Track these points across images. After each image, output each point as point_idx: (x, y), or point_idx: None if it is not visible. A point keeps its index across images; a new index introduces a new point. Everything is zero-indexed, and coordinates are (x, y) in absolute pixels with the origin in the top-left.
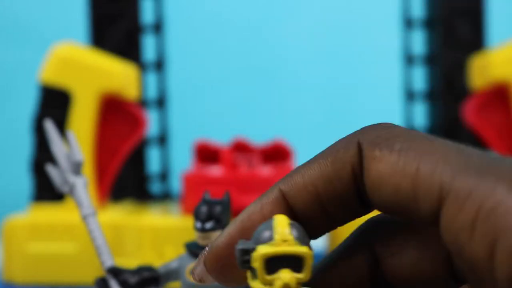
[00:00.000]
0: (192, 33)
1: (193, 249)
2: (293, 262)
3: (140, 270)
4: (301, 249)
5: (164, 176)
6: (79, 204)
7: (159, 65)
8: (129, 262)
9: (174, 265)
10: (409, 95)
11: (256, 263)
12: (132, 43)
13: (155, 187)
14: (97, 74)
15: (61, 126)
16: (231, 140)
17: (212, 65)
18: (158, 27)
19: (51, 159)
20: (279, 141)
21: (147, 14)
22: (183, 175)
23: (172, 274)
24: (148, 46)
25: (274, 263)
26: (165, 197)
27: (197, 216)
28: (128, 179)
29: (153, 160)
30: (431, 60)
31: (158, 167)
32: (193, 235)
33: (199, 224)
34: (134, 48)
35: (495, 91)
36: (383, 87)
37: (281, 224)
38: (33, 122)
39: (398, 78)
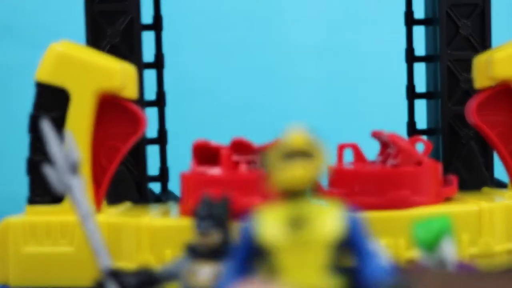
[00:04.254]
0: (191, 33)
1: (193, 250)
2: (302, 159)
3: (139, 272)
4: (307, 146)
5: (163, 176)
6: (76, 205)
7: (158, 64)
8: (128, 263)
9: (173, 266)
10: (411, 95)
11: (269, 162)
12: (131, 42)
13: (155, 187)
14: (95, 73)
15: (59, 125)
16: (231, 140)
17: (212, 65)
18: (157, 26)
19: (48, 159)
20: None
21: (146, 13)
22: (182, 175)
23: (172, 275)
24: (147, 46)
25: (285, 161)
26: (165, 197)
27: (197, 216)
28: (127, 180)
29: (153, 160)
30: (433, 58)
31: (158, 167)
32: (192, 236)
33: (198, 225)
34: (133, 47)
35: (498, 90)
36: (385, 86)
37: (292, 129)
38: (30, 122)
39: (400, 77)
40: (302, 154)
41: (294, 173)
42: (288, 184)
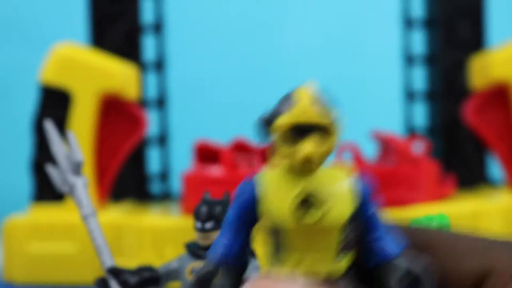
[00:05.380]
0: (192, 33)
1: (193, 249)
2: (316, 133)
3: (140, 270)
4: (323, 119)
5: (164, 176)
6: (79, 204)
7: (159, 65)
8: (129, 262)
9: (174, 265)
10: (409, 95)
11: (276, 134)
12: (132, 43)
13: (155, 187)
14: (97, 74)
15: (61, 126)
16: (231, 140)
17: (212, 65)
18: (158, 27)
19: (51, 159)
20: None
21: (147, 14)
22: (183, 175)
23: (172, 274)
24: (148, 46)
25: (295, 134)
26: (165, 197)
27: (197, 216)
28: (128, 179)
29: (153, 160)
30: (431, 60)
31: (158, 167)
32: (193, 235)
33: (199, 224)
34: (134, 48)
35: (495, 91)
36: (383, 88)
37: (303, 94)
38: (33, 122)
39: (398, 78)
40: (315, 128)
41: (306, 153)
42: (297, 163)
